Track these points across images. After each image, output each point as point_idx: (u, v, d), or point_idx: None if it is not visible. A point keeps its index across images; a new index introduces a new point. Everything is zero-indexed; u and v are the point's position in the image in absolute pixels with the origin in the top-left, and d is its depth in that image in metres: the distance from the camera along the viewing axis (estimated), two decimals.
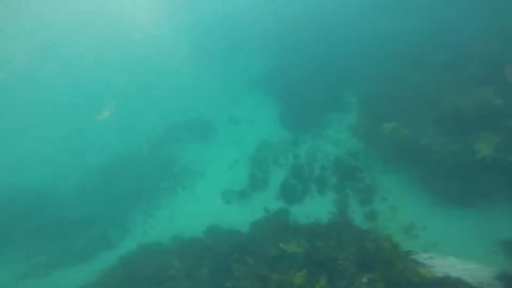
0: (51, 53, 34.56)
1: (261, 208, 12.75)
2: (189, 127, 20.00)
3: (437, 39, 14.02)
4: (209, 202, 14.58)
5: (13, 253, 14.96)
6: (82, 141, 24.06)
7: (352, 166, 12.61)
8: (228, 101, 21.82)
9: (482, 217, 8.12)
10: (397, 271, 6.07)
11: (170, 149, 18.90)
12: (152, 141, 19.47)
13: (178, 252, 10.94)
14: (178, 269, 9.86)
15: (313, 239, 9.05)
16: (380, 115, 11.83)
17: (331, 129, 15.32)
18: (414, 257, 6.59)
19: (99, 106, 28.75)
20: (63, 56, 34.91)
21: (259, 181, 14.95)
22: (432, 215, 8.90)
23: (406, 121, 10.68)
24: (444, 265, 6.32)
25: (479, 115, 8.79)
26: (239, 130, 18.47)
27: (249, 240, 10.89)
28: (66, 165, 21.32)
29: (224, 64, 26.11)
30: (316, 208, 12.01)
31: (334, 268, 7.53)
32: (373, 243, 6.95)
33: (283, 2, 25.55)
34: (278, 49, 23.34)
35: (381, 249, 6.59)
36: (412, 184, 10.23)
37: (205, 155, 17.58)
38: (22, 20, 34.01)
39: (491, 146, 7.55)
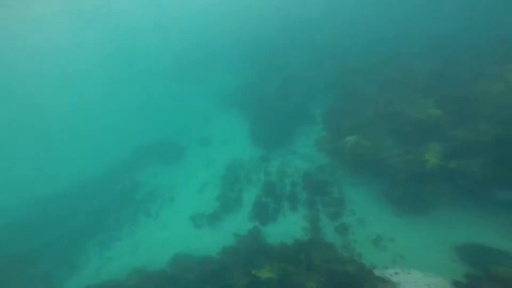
0: None
1: (234, 230, 12.10)
2: (156, 150, 18.89)
3: (387, 54, 15.57)
4: (177, 228, 13.41)
5: None
6: (32, 168, 21.23)
7: (321, 180, 12.69)
8: (198, 121, 21.29)
9: (438, 224, 8.57)
10: None
11: (134, 173, 17.48)
12: (114, 166, 17.89)
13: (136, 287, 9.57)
14: None
15: (285, 262, 8.64)
16: (343, 128, 12.31)
17: (299, 144, 15.50)
18: (381, 274, 6.49)
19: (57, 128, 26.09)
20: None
21: (231, 201, 14.27)
22: (397, 225, 9.10)
23: (366, 133, 11.17)
24: (408, 281, 6.29)
25: (426, 125, 9.55)
26: (209, 150, 17.87)
27: (220, 268, 10.04)
28: (9, 196, 18.41)
29: (193, 83, 25.94)
30: (289, 226, 11.68)
31: None
32: (340, 265, 6.75)
33: (247, 20, 26.82)
34: (246, 65, 23.93)
35: (348, 273, 6.41)
36: (376, 195, 10.51)
37: (174, 179, 16.47)
38: None
39: (436, 156, 8.12)
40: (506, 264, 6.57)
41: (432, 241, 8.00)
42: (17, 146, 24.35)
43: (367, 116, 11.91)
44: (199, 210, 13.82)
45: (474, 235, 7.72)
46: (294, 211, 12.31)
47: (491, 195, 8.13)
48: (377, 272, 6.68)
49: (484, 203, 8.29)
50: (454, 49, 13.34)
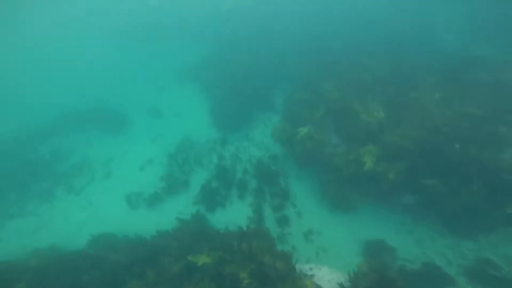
0: None
1: (177, 214, 11.57)
2: (94, 116, 16.13)
3: (348, 50, 15.68)
4: (106, 207, 12.09)
5: None
6: None
7: (272, 170, 12.80)
8: (151, 91, 18.75)
9: (358, 222, 9.58)
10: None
11: (59, 141, 14.68)
12: (29, 131, 14.59)
13: (38, 269, 8.20)
14: None
15: (224, 250, 8.65)
16: (300, 120, 12.24)
17: (257, 131, 15.14)
18: (301, 270, 7.11)
19: None
20: None
21: (178, 183, 13.49)
22: (328, 220, 9.71)
23: (318, 127, 11.32)
24: (318, 276, 7.01)
25: (370, 127, 9.89)
26: (159, 124, 16.13)
27: (153, 251, 9.50)
28: None
29: (152, 49, 22.42)
30: (236, 214, 11.57)
31: (239, 285, 7.35)
32: (272, 258, 7.11)
33: None
34: (215, 38, 21.64)
35: (276, 269, 6.78)
36: (317, 190, 10.90)
37: (111, 151, 14.53)
38: None
39: (372, 160, 8.83)
40: (386, 257, 8.02)
41: (350, 237, 9.02)
42: None
43: (321, 111, 11.98)
44: (137, 189, 12.61)
45: (380, 233, 9.00)
46: (241, 199, 12.20)
47: (399, 198, 9.42)
48: (298, 267, 7.29)
49: (394, 205, 9.59)
50: (407, 56, 14.03)
